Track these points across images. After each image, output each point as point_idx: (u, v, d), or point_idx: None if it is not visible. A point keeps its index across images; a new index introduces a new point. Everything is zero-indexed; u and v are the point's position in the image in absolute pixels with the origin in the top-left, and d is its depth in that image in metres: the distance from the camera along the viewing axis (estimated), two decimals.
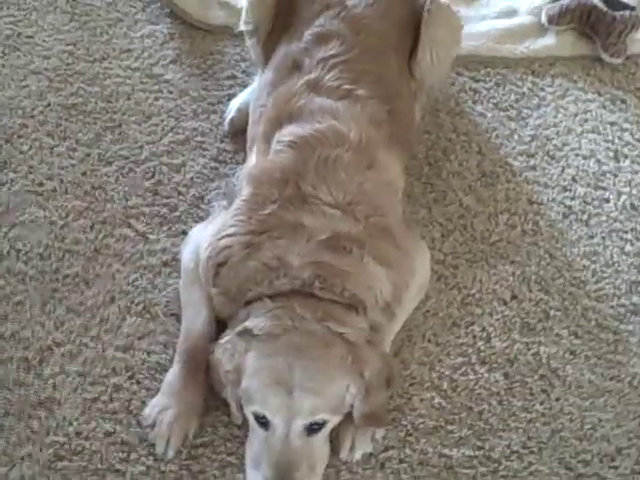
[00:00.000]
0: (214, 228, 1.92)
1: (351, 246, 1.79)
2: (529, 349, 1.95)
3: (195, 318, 1.90)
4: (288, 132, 1.90)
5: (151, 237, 2.09)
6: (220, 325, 1.85)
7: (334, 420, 1.70)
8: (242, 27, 2.26)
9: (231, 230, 1.85)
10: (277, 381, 1.66)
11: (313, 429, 1.67)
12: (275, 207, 1.82)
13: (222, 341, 1.77)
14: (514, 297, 2.04)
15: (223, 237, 1.85)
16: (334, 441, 1.75)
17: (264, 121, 1.99)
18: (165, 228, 2.11)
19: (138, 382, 1.85)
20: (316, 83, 1.98)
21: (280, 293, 1.75)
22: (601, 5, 2.56)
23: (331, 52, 2.02)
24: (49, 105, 2.32)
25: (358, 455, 1.77)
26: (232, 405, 1.75)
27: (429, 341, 1.95)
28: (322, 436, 1.70)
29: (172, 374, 1.84)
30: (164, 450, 1.76)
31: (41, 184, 2.16)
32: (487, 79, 2.49)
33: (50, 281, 1.99)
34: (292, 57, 2.06)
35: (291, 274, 1.75)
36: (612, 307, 2.04)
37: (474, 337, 1.96)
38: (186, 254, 1.99)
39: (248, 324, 1.72)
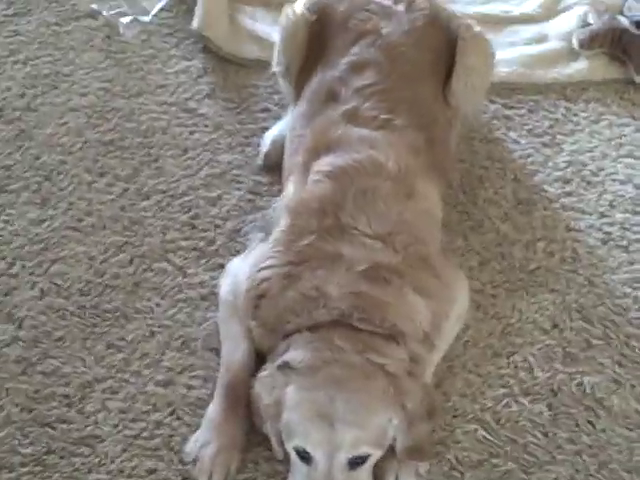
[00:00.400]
0: (252, 260, 1.93)
1: (390, 276, 1.78)
2: (572, 379, 1.92)
3: (234, 351, 1.90)
4: (326, 162, 1.91)
5: (189, 271, 2.10)
6: (260, 357, 1.85)
7: (377, 454, 1.68)
8: (274, 68, 2.29)
9: (269, 262, 1.85)
10: (318, 414, 1.65)
11: (356, 463, 1.65)
12: (313, 238, 1.82)
13: (261, 375, 1.77)
14: (555, 326, 2.01)
15: (262, 269, 1.86)
16: (377, 477, 1.72)
17: (301, 152, 2.00)
18: (203, 262, 2.12)
19: (179, 418, 1.85)
20: (353, 113, 1.99)
21: (319, 324, 1.75)
22: (632, 28, 2.56)
23: (367, 81, 2.04)
24: (87, 142, 2.36)
25: None
26: (273, 440, 1.74)
27: (470, 372, 1.93)
28: (365, 470, 1.68)
29: (213, 408, 1.84)
30: None
31: (80, 220, 2.19)
32: (520, 106, 2.49)
33: (90, 316, 2.01)
34: (327, 87, 2.08)
35: (330, 305, 1.75)
36: None
37: (516, 367, 1.94)
38: (224, 287, 2.00)
39: (287, 357, 1.72)
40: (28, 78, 2.51)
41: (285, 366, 1.71)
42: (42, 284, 2.06)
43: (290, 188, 2.00)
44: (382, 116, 1.99)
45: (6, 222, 2.18)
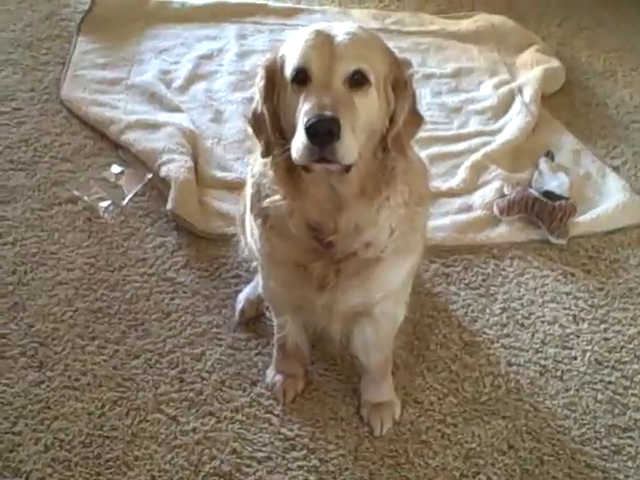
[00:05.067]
0: None
1: None
2: None
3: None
4: None
5: (181, 419, 2.31)
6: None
7: (374, 92, 1.70)
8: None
9: None
10: (317, 33, 1.68)
11: (357, 81, 1.67)
12: None
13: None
14: (510, 447, 2.30)
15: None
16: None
17: None
18: (193, 410, 2.33)
19: None
20: None
21: None
22: (542, 197, 3.05)
23: None
24: (77, 310, 2.60)
25: (385, 429, 2.30)
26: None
27: None
28: (368, 100, 1.69)
29: (275, 358, 2.42)
30: (282, 402, 2.36)
31: (77, 379, 2.39)
32: (456, 264, 2.88)
33: (93, 466, 2.18)
34: None
35: None
36: (596, 449, 2.31)
37: None
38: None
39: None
40: (18, 256, 2.75)
41: None
42: (45, 439, 2.22)
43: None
44: None
45: (6, 385, 2.36)
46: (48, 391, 2.35)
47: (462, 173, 3.21)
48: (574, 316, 2.71)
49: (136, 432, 2.26)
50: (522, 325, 2.68)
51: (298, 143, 1.66)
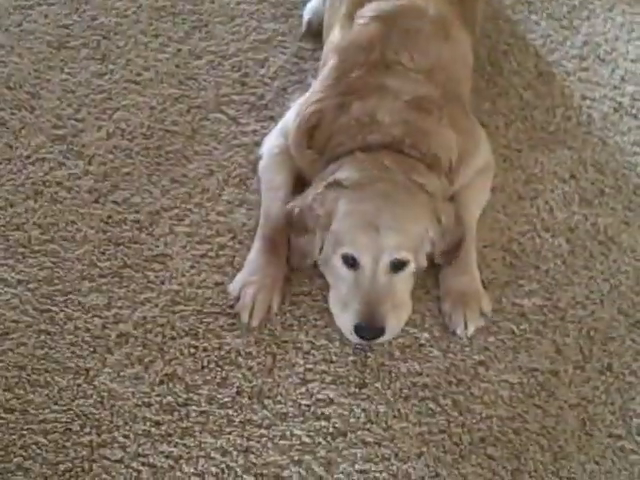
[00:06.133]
0: (298, 106, 2.09)
1: (431, 108, 1.97)
2: (587, 219, 2.16)
3: (274, 200, 2.07)
4: (370, 9, 2.08)
5: (242, 121, 2.29)
6: None
7: (412, 266, 1.88)
8: None
9: (320, 95, 2.02)
10: (365, 222, 1.85)
11: (397, 267, 1.86)
12: (362, 72, 1.99)
13: (311, 192, 1.93)
14: (572, 176, 2.25)
15: (313, 103, 2.02)
16: (448, 324, 1.94)
17: (346, 3, 2.15)
18: (254, 114, 2.31)
19: (240, 242, 2.06)
20: None
21: (370, 147, 1.92)
22: None
23: None
24: (140, 6, 2.52)
25: (472, 329, 1.93)
26: (317, 245, 1.92)
27: (498, 212, 2.16)
28: (405, 276, 1.89)
29: (254, 252, 2.01)
30: (248, 320, 1.93)
31: (139, 74, 2.36)
32: None
33: (154, 156, 2.20)
34: None
35: (383, 130, 1.93)
36: None
37: (538, 209, 2.17)
38: (269, 141, 2.18)
39: (338, 175, 1.89)
40: None
41: (335, 184, 1.89)
42: (107, 127, 2.24)
43: (336, 33, 2.14)
44: None
45: (69, 74, 2.35)
46: (110, 83, 2.34)
47: None
48: None
49: (196, 128, 2.26)
50: (603, 60, 2.53)
51: (345, 322, 1.88)
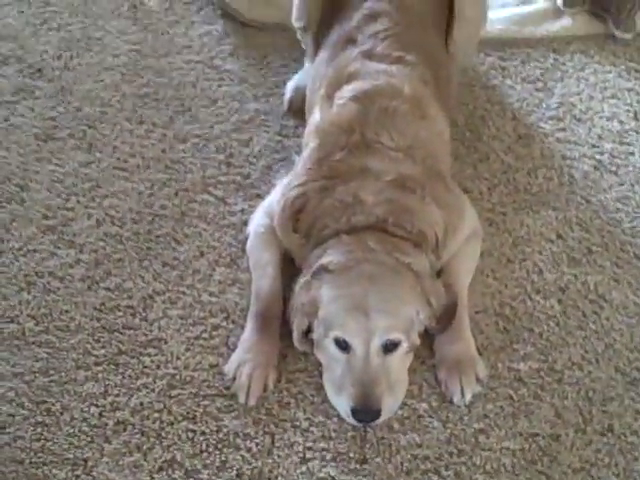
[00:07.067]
0: (282, 187, 2.12)
1: (414, 186, 1.99)
2: (577, 279, 2.18)
3: (263, 278, 2.09)
4: (348, 89, 2.11)
5: (229, 201, 2.32)
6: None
7: (405, 345, 1.88)
8: (295, 23, 2.50)
9: (303, 179, 2.04)
10: (354, 306, 1.85)
11: (389, 348, 1.86)
12: (343, 154, 2.02)
13: (299, 280, 1.95)
14: (559, 236, 2.28)
15: (296, 187, 2.04)
16: (445, 392, 1.94)
17: (325, 85, 2.19)
18: (241, 193, 2.34)
19: (233, 322, 2.06)
20: (369, 52, 2.21)
21: (355, 228, 1.94)
22: None
23: (380, 27, 2.25)
24: (124, 95, 2.58)
25: (469, 397, 1.93)
26: (295, 333, 1.93)
27: (488, 276, 2.18)
28: (398, 356, 1.88)
29: (247, 331, 2.02)
30: (245, 399, 1.92)
31: (125, 161, 2.40)
32: (513, 57, 2.76)
33: (144, 241, 2.22)
34: (345, 35, 2.29)
35: (366, 210, 1.95)
36: None
37: (527, 271, 2.19)
38: (255, 220, 2.20)
39: (323, 261, 1.90)
40: (63, 42, 2.71)
41: (321, 270, 1.90)
42: (97, 215, 2.27)
43: (316, 115, 2.18)
44: (395, 54, 2.19)
45: (57, 164, 2.38)
46: (98, 171, 2.37)
47: None
48: (635, 112, 2.61)
49: (185, 211, 2.29)
50: (579, 120, 2.59)
51: (341, 405, 1.87)
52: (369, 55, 2.21)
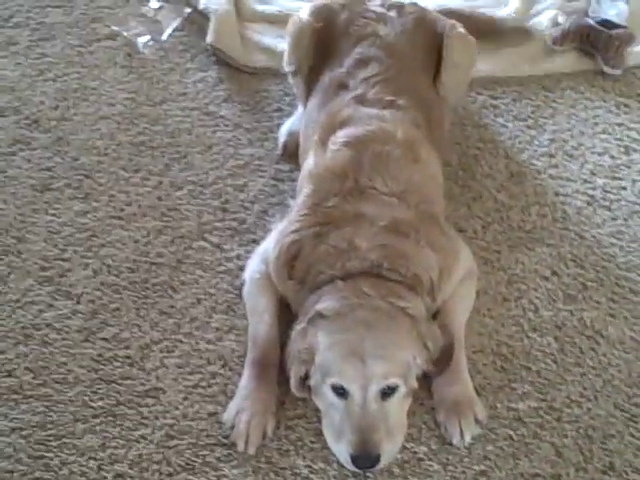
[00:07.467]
0: (277, 233, 2.13)
1: (408, 230, 2.00)
2: (573, 315, 2.19)
3: (260, 325, 2.09)
4: (342, 135, 2.14)
5: (225, 247, 2.33)
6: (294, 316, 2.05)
7: (402, 389, 1.88)
8: (286, 68, 2.54)
9: (298, 225, 2.05)
10: (351, 352, 1.84)
11: (387, 393, 1.85)
12: (337, 200, 2.03)
13: (295, 327, 1.95)
14: (554, 273, 2.29)
15: (290, 233, 2.05)
16: (444, 434, 1.94)
17: (318, 131, 2.22)
18: (237, 239, 2.35)
19: (231, 369, 2.06)
20: (361, 97, 2.24)
21: (350, 274, 1.95)
22: (598, 26, 2.89)
23: (371, 72, 2.30)
24: (120, 144, 2.60)
25: (468, 438, 1.93)
26: (292, 380, 1.93)
27: (484, 315, 2.18)
28: (396, 401, 1.88)
29: (244, 379, 2.02)
30: (245, 448, 1.92)
31: (122, 209, 2.42)
32: (504, 96, 2.79)
33: (141, 290, 2.23)
34: (337, 80, 2.33)
35: (361, 256, 1.95)
36: None
37: (524, 309, 2.20)
38: (251, 266, 2.21)
39: (319, 307, 1.91)
40: (59, 93, 2.74)
41: (316, 316, 1.90)
42: (93, 265, 2.28)
43: (310, 161, 2.20)
44: (387, 98, 2.23)
45: (54, 215, 2.40)
46: (94, 220, 2.39)
47: (515, 1, 3.05)
48: (625, 147, 2.64)
49: (181, 258, 2.30)
50: (571, 156, 2.61)
51: (340, 452, 1.86)
52: (361, 100, 2.24)
